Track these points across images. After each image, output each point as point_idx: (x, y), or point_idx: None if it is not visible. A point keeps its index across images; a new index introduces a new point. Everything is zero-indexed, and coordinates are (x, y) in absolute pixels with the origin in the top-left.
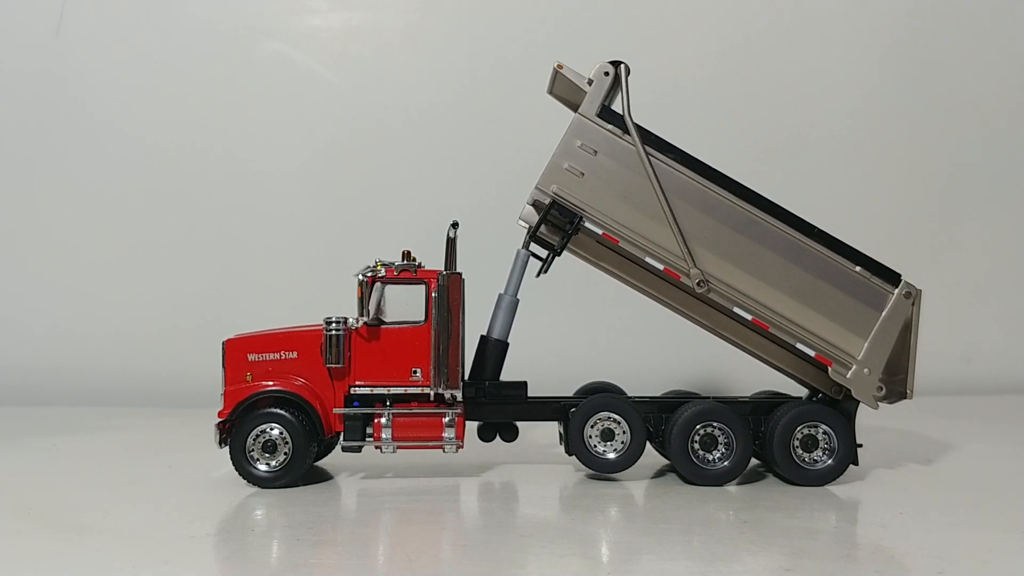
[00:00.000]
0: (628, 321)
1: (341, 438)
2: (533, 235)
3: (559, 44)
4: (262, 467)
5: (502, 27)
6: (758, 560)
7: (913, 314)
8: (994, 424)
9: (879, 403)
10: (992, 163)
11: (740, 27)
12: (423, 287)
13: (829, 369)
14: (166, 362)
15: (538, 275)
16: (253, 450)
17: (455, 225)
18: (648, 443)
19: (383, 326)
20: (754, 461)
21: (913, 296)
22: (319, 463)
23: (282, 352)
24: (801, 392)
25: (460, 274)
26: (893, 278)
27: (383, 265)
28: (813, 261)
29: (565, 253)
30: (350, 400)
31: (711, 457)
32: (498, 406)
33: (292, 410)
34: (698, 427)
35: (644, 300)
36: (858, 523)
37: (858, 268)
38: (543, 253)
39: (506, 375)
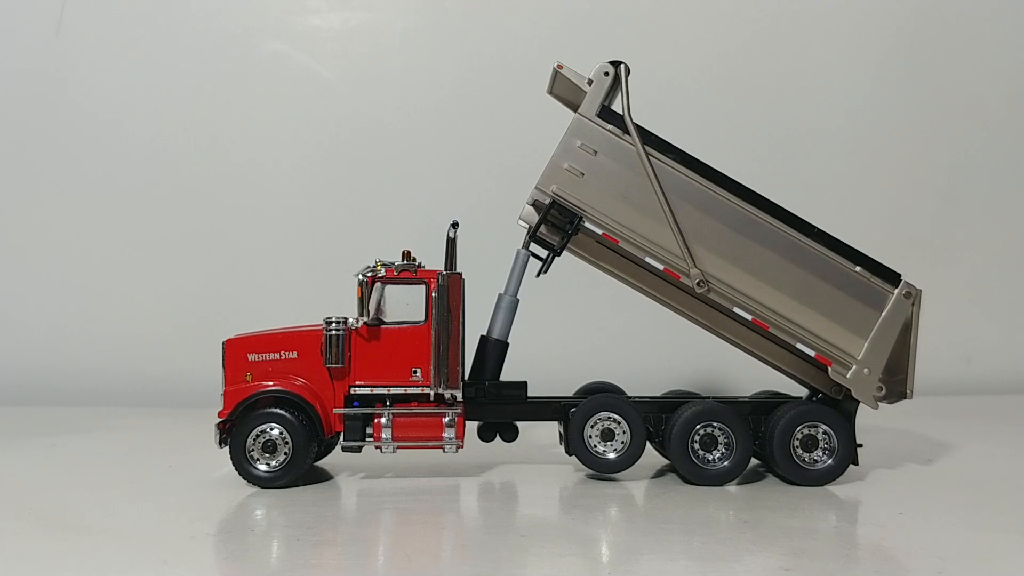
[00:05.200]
0: (628, 321)
1: (341, 438)
2: (533, 235)
3: (559, 44)
4: (262, 467)
5: (502, 27)
6: (758, 560)
7: (913, 314)
8: (994, 424)
9: (879, 403)
10: (992, 163)
11: (740, 27)
12: (423, 287)
13: (829, 369)
14: (166, 362)
15: (538, 275)
16: (253, 450)
17: (455, 225)
18: (648, 443)
19: (383, 326)
20: (754, 461)
21: (913, 296)
22: (319, 463)
23: (282, 352)
24: (801, 392)
25: (460, 274)
26: (893, 278)
27: (383, 265)
28: (813, 261)
29: (565, 253)
30: (350, 400)
31: (711, 457)
32: (498, 406)
33: (292, 410)
34: (698, 427)
35: (644, 300)
36: (858, 523)
37: (858, 268)
38: (543, 253)
39: (506, 375)
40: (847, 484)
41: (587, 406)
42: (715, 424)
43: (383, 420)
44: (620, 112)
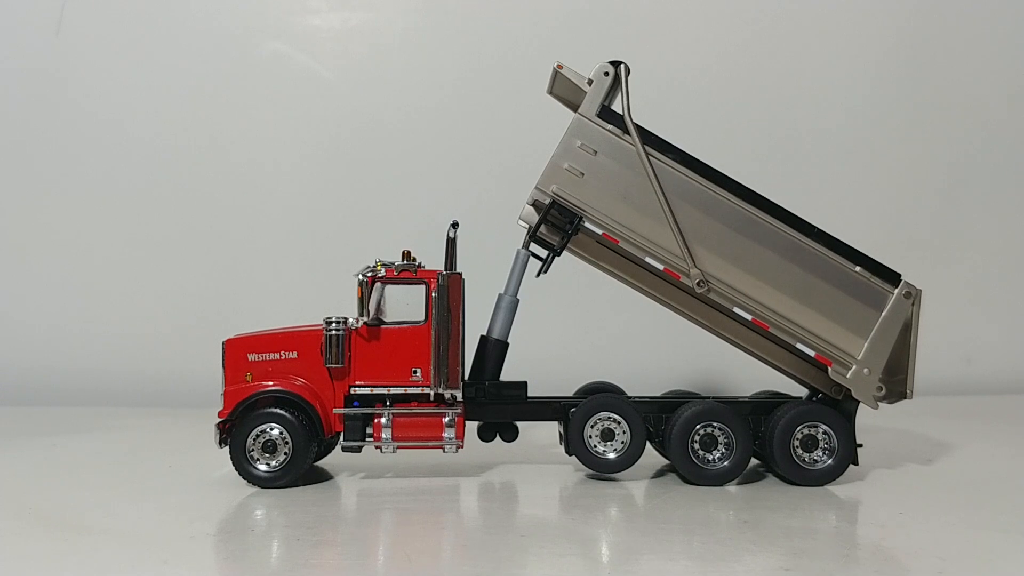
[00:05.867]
0: (628, 321)
1: (341, 438)
2: (533, 235)
3: (559, 44)
4: (262, 467)
5: (502, 27)
6: (758, 560)
7: (913, 314)
8: (994, 424)
9: (879, 403)
10: (992, 163)
11: (740, 27)
12: (423, 287)
13: (829, 369)
14: (166, 362)
15: (538, 275)
16: (253, 450)
17: (455, 225)
18: (648, 443)
19: (383, 326)
20: (754, 461)
21: (913, 296)
22: (319, 463)
23: (282, 352)
24: (801, 392)
25: (460, 274)
26: (893, 278)
27: (383, 265)
28: (813, 261)
29: (565, 253)
30: (350, 400)
31: (711, 457)
32: (498, 406)
33: (292, 410)
34: (698, 427)
35: (644, 300)
36: (858, 523)
37: (858, 268)
38: (543, 253)
39: (506, 375)
40: (847, 484)
41: (587, 406)
42: (715, 424)
43: (383, 420)
44: (620, 112)
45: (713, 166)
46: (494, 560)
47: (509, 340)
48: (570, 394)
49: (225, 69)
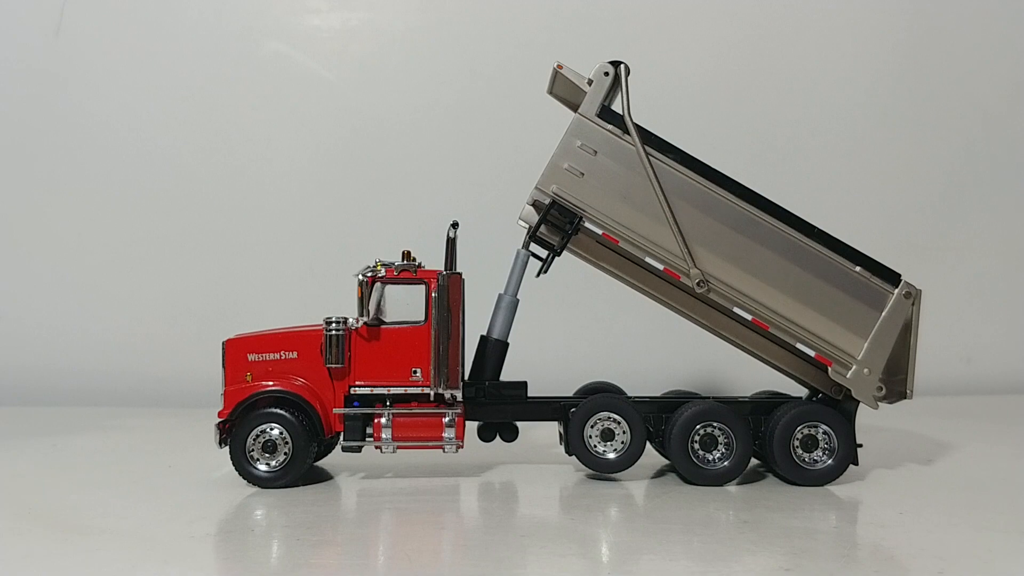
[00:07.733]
0: (628, 321)
1: (341, 438)
2: (533, 235)
3: (559, 44)
4: (262, 467)
5: (502, 27)
6: (758, 560)
7: (913, 314)
8: (994, 424)
9: (879, 403)
10: (992, 163)
11: (740, 27)
12: (423, 287)
13: (829, 369)
14: (166, 362)
15: (538, 275)
16: (253, 450)
17: (455, 225)
18: (648, 443)
19: (383, 326)
20: (754, 461)
21: (913, 296)
22: (319, 463)
23: (282, 352)
24: (801, 392)
25: (460, 274)
26: (893, 278)
27: (383, 265)
28: (813, 261)
29: (565, 253)
30: (350, 400)
31: (711, 457)
32: (498, 406)
33: (292, 410)
34: (698, 427)
35: (644, 300)
36: (858, 523)
37: (858, 268)
38: (543, 253)
39: (506, 375)
40: (847, 484)
41: (587, 406)
42: (715, 424)
43: (383, 420)
44: (620, 112)
45: (713, 166)
46: (494, 560)
47: (509, 340)
48: (570, 394)
49: (226, 69)
